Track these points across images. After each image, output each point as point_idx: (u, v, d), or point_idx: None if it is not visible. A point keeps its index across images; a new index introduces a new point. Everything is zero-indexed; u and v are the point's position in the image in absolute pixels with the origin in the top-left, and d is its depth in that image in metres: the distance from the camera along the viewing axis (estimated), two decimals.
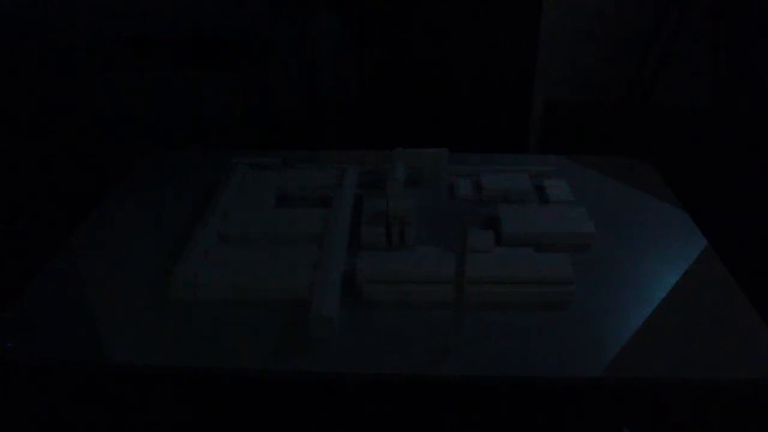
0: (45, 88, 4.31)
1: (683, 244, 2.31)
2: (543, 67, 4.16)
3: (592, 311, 2.00)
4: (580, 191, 2.58)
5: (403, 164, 2.65)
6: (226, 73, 4.03)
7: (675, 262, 2.20)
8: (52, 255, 2.26)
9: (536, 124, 4.32)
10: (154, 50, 4.33)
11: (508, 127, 4.31)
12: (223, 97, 4.02)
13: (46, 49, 4.32)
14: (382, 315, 1.99)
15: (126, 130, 4.19)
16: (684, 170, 3.24)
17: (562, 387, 1.91)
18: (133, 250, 2.28)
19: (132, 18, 4.43)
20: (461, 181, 2.66)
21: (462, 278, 1.73)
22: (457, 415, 2.10)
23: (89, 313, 1.99)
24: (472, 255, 1.86)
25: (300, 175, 2.68)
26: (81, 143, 4.28)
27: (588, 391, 1.99)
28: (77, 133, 4.30)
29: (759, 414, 1.97)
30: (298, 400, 2.12)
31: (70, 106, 4.35)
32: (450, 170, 2.74)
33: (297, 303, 1.97)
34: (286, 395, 2.11)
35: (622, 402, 2.08)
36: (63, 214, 2.79)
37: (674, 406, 2.01)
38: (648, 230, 2.40)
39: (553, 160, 2.89)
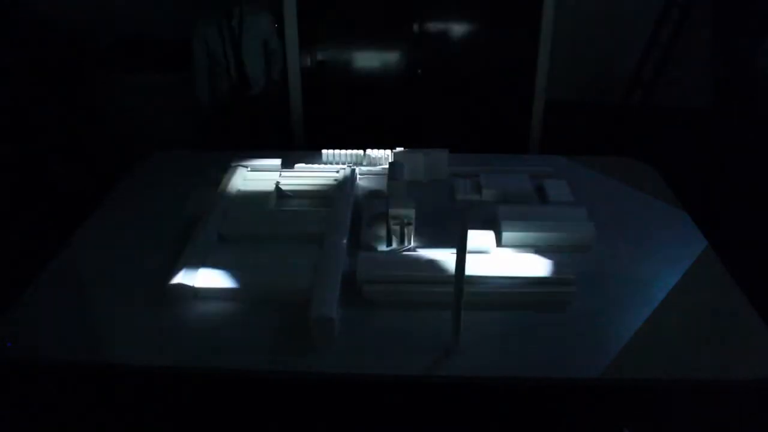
0: (45, 89, 4.31)
1: (683, 244, 2.32)
2: (543, 68, 4.15)
3: (592, 311, 2.00)
4: (580, 191, 2.59)
5: (404, 165, 2.65)
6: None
7: (675, 262, 2.21)
8: (52, 255, 2.27)
9: (537, 124, 4.31)
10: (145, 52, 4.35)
11: (509, 127, 4.31)
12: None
13: (46, 49, 4.32)
14: (382, 315, 1.99)
15: (126, 130, 4.19)
16: (684, 170, 3.24)
17: (562, 387, 1.91)
18: (133, 250, 2.28)
19: (129, 20, 4.44)
20: (461, 182, 2.67)
21: (462, 278, 1.73)
22: (457, 415, 2.10)
23: (89, 313, 1.99)
24: (472, 255, 1.86)
25: (300, 175, 2.68)
26: (81, 143, 4.28)
27: (588, 391, 2.00)
28: (77, 133, 4.30)
29: (759, 414, 1.97)
30: (299, 400, 2.12)
31: (70, 107, 4.36)
32: (450, 170, 2.74)
33: (297, 303, 1.97)
34: (286, 395, 2.11)
35: (622, 402, 2.08)
36: (63, 214, 2.79)
37: (674, 406, 2.01)
38: (648, 230, 2.40)
39: (553, 160, 2.90)
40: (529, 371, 1.80)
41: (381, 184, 2.62)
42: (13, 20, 4.22)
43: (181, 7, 4.22)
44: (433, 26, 4.17)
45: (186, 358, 1.84)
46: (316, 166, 2.76)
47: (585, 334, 1.91)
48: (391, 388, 2.00)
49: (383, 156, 2.77)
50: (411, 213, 2.30)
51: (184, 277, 2.03)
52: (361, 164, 2.77)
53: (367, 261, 2.12)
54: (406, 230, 2.25)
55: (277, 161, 2.77)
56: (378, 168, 2.76)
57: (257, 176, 2.67)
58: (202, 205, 2.45)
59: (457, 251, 1.68)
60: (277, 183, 2.60)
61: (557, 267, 2.07)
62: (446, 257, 2.09)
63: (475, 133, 4.14)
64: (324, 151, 2.82)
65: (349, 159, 2.79)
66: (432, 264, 2.09)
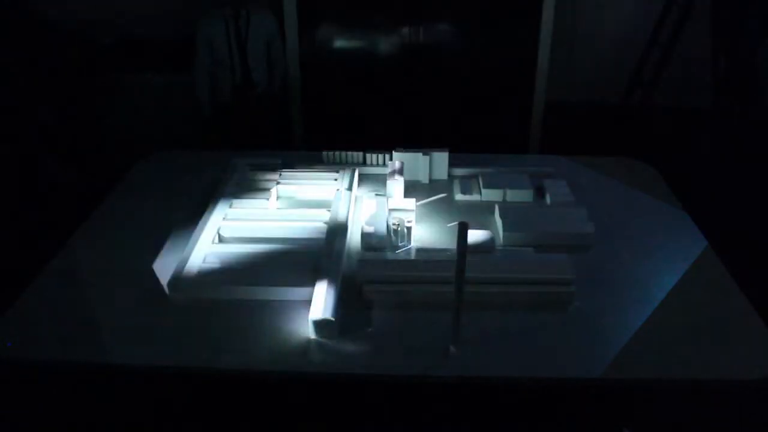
0: (45, 89, 4.31)
1: (683, 244, 2.32)
2: (543, 68, 4.16)
3: (592, 311, 2.00)
4: (580, 191, 2.59)
5: (404, 165, 2.65)
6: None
7: (675, 262, 2.21)
8: (52, 255, 2.27)
9: (537, 124, 4.32)
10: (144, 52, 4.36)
11: (509, 127, 4.32)
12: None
13: (46, 49, 4.32)
14: (382, 316, 1.99)
15: (126, 130, 4.20)
16: (684, 170, 3.24)
17: (562, 387, 1.91)
18: (134, 250, 2.28)
19: (130, 19, 4.44)
20: (461, 181, 2.67)
21: (462, 278, 1.73)
22: (457, 415, 2.10)
23: (89, 313, 1.99)
24: (472, 255, 1.86)
25: (300, 175, 2.68)
26: (81, 143, 4.29)
27: (588, 391, 1.99)
28: (77, 133, 4.31)
29: (759, 414, 1.97)
30: (299, 400, 2.12)
31: (70, 107, 4.36)
32: (450, 170, 2.74)
33: (297, 303, 1.97)
34: (286, 395, 2.11)
35: (622, 402, 2.08)
36: (63, 214, 2.79)
37: (674, 406, 2.01)
38: (648, 230, 2.40)
39: (553, 160, 2.90)
40: (529, 371, 1.80)
41: (381, 184, 2.62)
42: (13, 20, 4.22)
43: (181, 7, 4.23)
44: (433, 26, 4.17)
45: (186, 358, 1.84)
46: (316, 166, 2.76)
47: (585, 334, 1.91)
48: (391, 388, 2.00)
49: (383, 156, 2.78)
50: (411, 213, 2.31)
51: (183, 277, 2.03)
52: (361, 164, 2.77)
53: (367, 261, 2.12)
54: (406, 231, 2.26)
55: (277, 161, 2.77)
56: (378, 168, 2.76)
57: (257, 176, 2.67)
58: (202, 205, 2.45)
59: (457, 251, 1.68)
60: (277, 182, 2.61)
61: (557, 267, 2.07)
62: (446, 258, 2.08)
63: (475, 133, 4.15)
64: (324, 152, 2.82)
65: (349, 159, 2.79)
66: (432, 264, 2.08)
